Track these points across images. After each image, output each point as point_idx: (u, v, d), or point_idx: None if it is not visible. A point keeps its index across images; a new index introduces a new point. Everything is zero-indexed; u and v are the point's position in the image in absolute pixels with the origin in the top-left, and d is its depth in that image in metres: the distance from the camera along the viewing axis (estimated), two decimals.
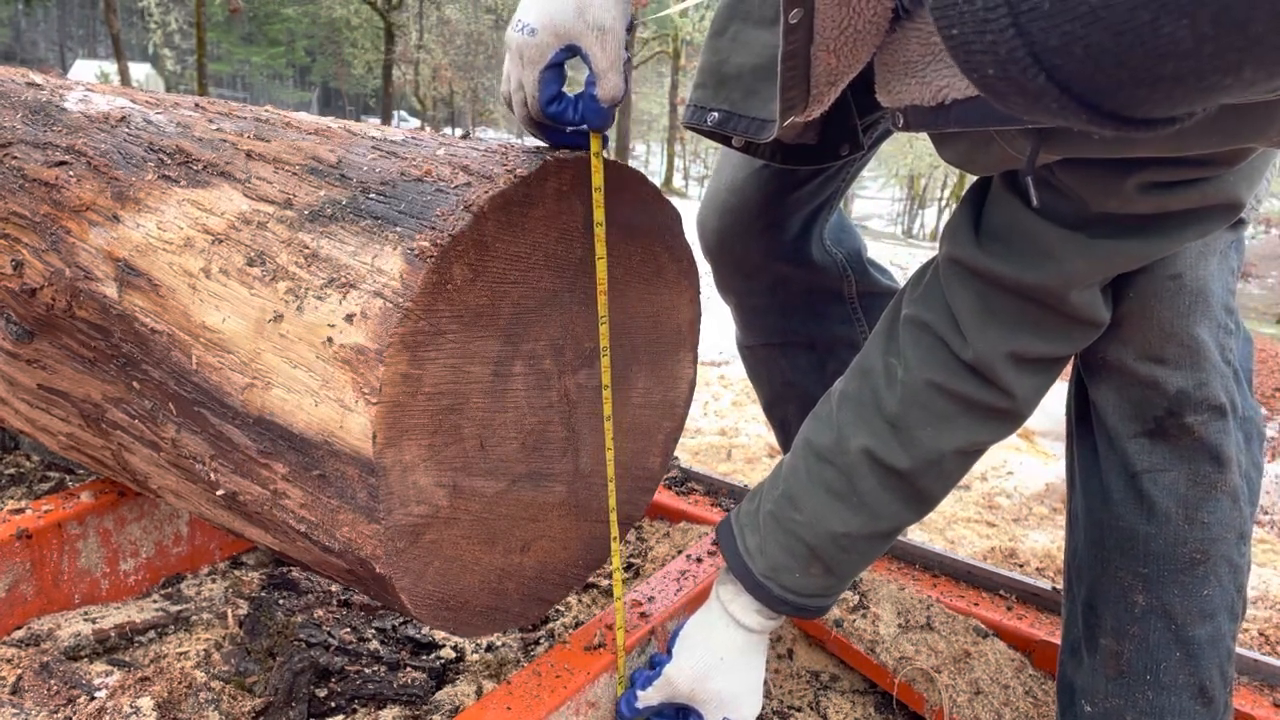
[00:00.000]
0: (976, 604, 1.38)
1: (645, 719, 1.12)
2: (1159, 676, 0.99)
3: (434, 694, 1.24)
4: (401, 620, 1.43)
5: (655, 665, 1.12)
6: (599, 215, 0.94)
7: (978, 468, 2.99)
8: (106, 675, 1.19)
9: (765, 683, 1.37)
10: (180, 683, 1.17)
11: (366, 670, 1.29)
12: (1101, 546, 1.03)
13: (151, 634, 1.31)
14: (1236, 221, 0.97)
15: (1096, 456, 1.05)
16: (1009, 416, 0.97)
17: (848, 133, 1.21)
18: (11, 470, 1.79)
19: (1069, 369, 1.11)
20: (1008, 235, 0.91)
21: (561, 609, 1.49)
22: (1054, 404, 3.79)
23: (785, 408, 1.72)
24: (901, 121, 0.88)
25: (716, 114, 1.07)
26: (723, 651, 1.06)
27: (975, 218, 0.96)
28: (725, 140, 1.13)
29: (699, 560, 1.35)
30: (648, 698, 1.10)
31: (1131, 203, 0.82)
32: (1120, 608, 1.01)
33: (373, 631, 1.40)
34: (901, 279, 1.36)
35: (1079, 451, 1.08)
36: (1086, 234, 0.85)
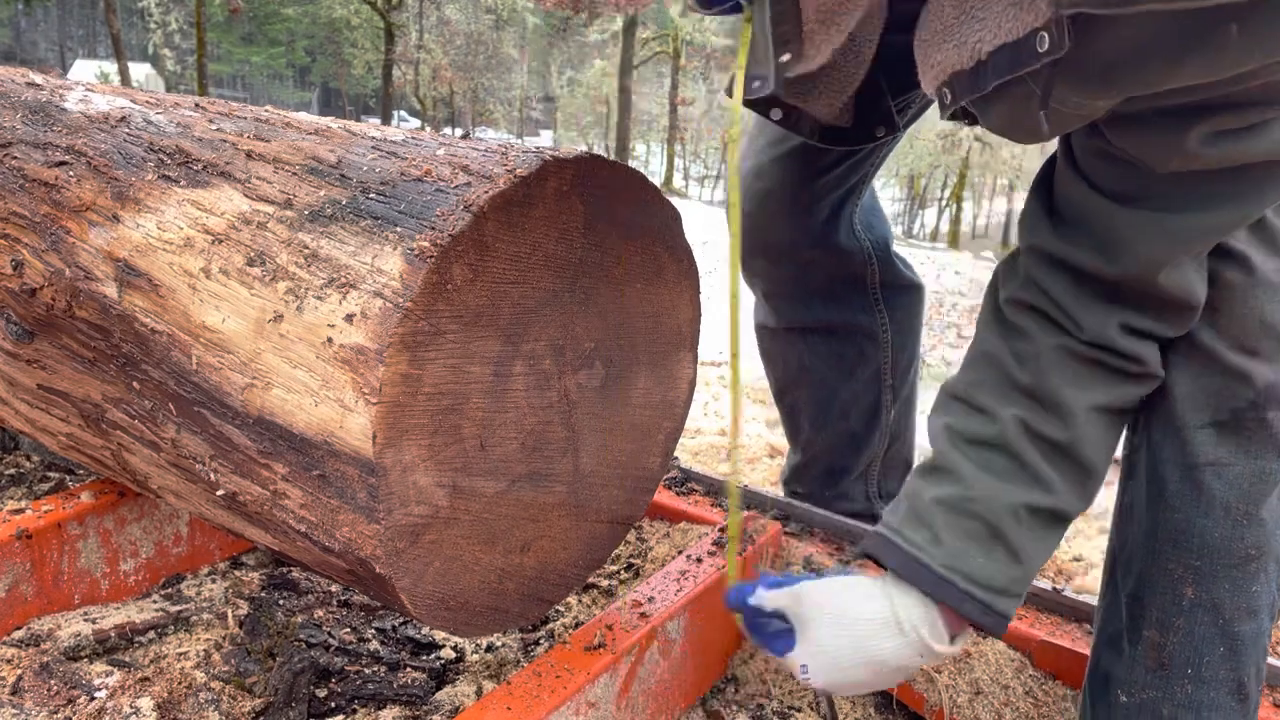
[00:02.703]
0: None
1: (747, 615, 1.05)
2: (1200, 670, 0.99)
3: (434, 694, 1.24)
4: (401, 620, 1.43)
5: (787, 581, 1.05)
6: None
7: None
8: (106, 675, 1.19)
9: (766, 682, 1.37)
10: (180, 683, 1.17)
11: (366, 670, 1.29)
12: (1154, 538, 1.02)
13: (151, 634, 1.31)
14: None
15: (1159, 446, 1.04)
16: (1145, 379, 0.96)
17: (882, 114, 1.21)
18: (11, 470, 1.79)
19: None
20: (1080, 221, 0.91)
21: (561, 609, 1.49)
22: None
23: (797, 393, 1.72)
24: (949, 97, 0.88)
25: (757, 81, 1.08)
26: (862, 627, 0.98)
27: (1048, 203, 0.96)
28: (765, 112, 1.12)
29: (699, 560, 1.35)
30: (772, 599, 1.02)
31: (1197, 158, 0.79)
32: (1168, 599, 1.01)
33: (373, 632, 1.40)
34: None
35: (1140, 440, 1.07)
36: (1156, 208, 0.84)
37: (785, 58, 0.96)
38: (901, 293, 1.66)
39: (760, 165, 1.49)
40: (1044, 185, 0.97)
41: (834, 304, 1.63)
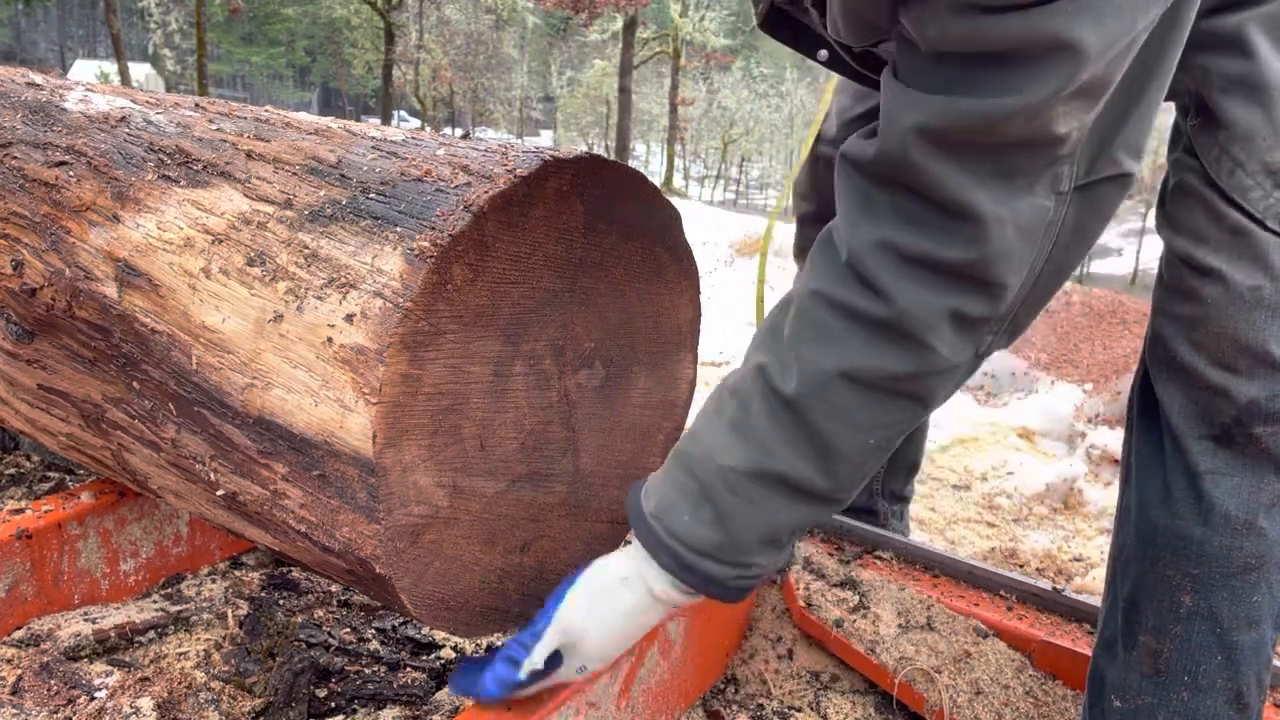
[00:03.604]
0: (977, 604, 1.38)
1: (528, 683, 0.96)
2: (1197, 678, 0.98)
3: (434, 694, 1.24)
4: (401, 620, 1.43)
5: (529, 630, 0.97)
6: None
7: (978, 467, 2.99)
8: (106, 675, 1.19)
9: (766, 682, 1.37)
10: (180, 683, 1.17)
11: (366, 670, 1.29)
12: (1152, 544, 1.01)
13: (151, 634, 1.31)
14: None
15: (1159, 453, 1.02)
16: (893, 332, 0.82)
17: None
18: (11, 470, 1.79)
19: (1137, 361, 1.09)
20: (880, 115, 0.85)
21: None
22: (1056, 404, 3.77)
23: None
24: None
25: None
26: (609, 593, 0.95)
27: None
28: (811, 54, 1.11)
29: None
30: (538, 654, 0.94)
31: (947, 31, 0.75)
32: (1165, 606, 1.00)
33: (373, 631, 1.40)
34: None
35: (1139, 447, 1.05)
36: (921, 87, 0.79)
37: None
38: None
39: (827, 133, 1.50)
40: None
41: None
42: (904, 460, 1.82)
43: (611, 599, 0.94)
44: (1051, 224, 0.83)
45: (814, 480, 0.87)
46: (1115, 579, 1.08)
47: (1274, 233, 0.93)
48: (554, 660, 0.95)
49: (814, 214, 1.62)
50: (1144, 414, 1.06)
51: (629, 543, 0.96)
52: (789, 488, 0.88)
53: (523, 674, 0.94)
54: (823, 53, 1.13)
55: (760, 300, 1.87)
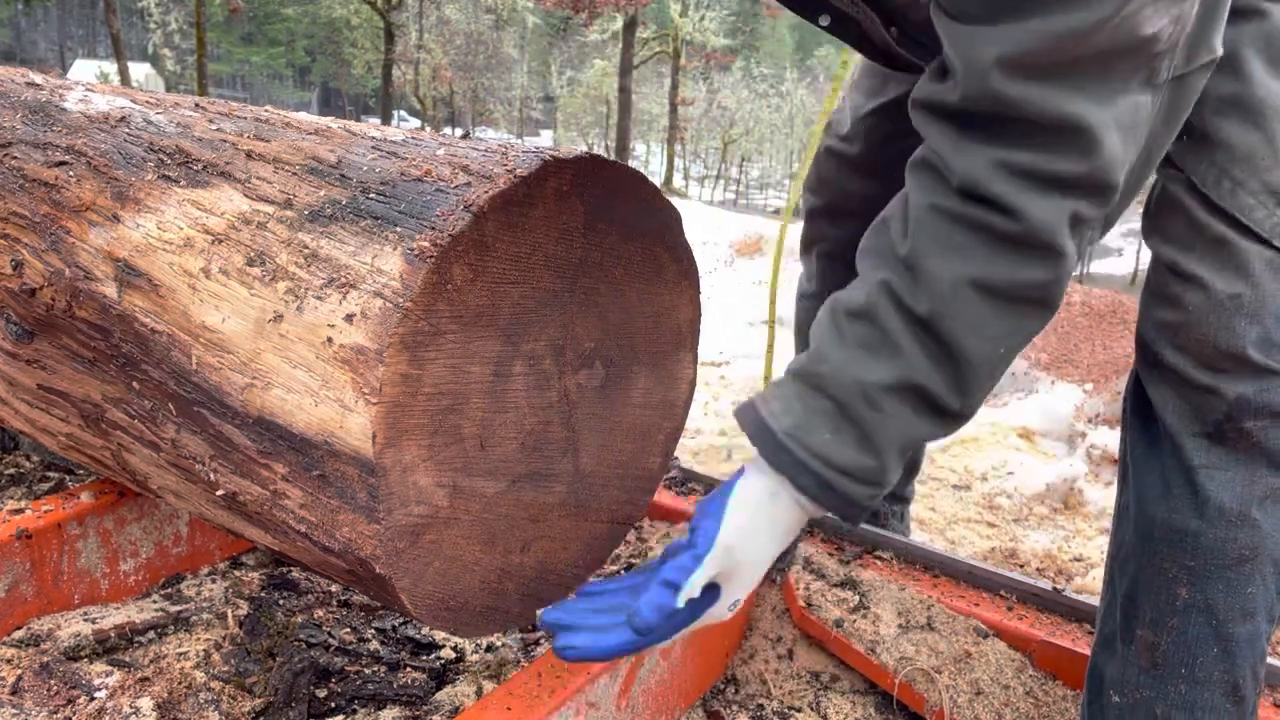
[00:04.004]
0: (977, 604, 1.38)
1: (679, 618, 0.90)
2: (1194, 671, 0.99)
3: (434, 694, 1.24)
4: (401, 620, 1.43)
5: (686, 554, 0.90)
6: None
7: (978, 467, 2.99)
8: (106, 675, 1.19)
9: (766, 682, 1.37)
10: (180, 683, 1.17)
11: (366, 670, 1.29)
12: (1150, 539, 1.02)
13: (151, 634, 1.31)
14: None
15: (1155, 450, 1.03)
16: (1027, 244, 0.83)
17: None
18: (11, 470, 1.79)
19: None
20: (942, 56, 0.85)
21: None
22: (1056, 404, 3.77)
23: None
24: None
25: None
26: (761, 512, 0.91)
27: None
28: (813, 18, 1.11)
29: None
30: (698, 580, 0.89)
31: None
32: (1161, 599, 1.01)
33: (373, 632, 1.40)
34: None
35: (1135, 443, 1.06)
36: (977, 18, 0.79)
37: None
38: None
39: (847, 125, 1.49)
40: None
41: None
42: (907, 461, 1.83)
43: (768, 519, 0.91)
44: (1148, 117, 0.83)
45: (947, 393, 0.88)
46: (1114, 576, 1.09)
47: (1266, 244, 0.94)
48: (710, 592, 0.92)
49: (823, 208, 1.62)
50: (1137, 413, 1.07)
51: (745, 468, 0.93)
52: (926, 402, 0.88)
53: (680, 602, 0.89)
54: (824, 18, 1.13)
55: (773, 299, 1.87)
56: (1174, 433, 1.00)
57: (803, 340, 1.77)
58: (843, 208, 1.56)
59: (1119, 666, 1.04)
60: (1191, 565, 0.99)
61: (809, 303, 1.71)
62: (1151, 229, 1.02)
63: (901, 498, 1.86)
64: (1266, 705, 1.20)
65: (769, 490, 0.91)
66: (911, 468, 1.87)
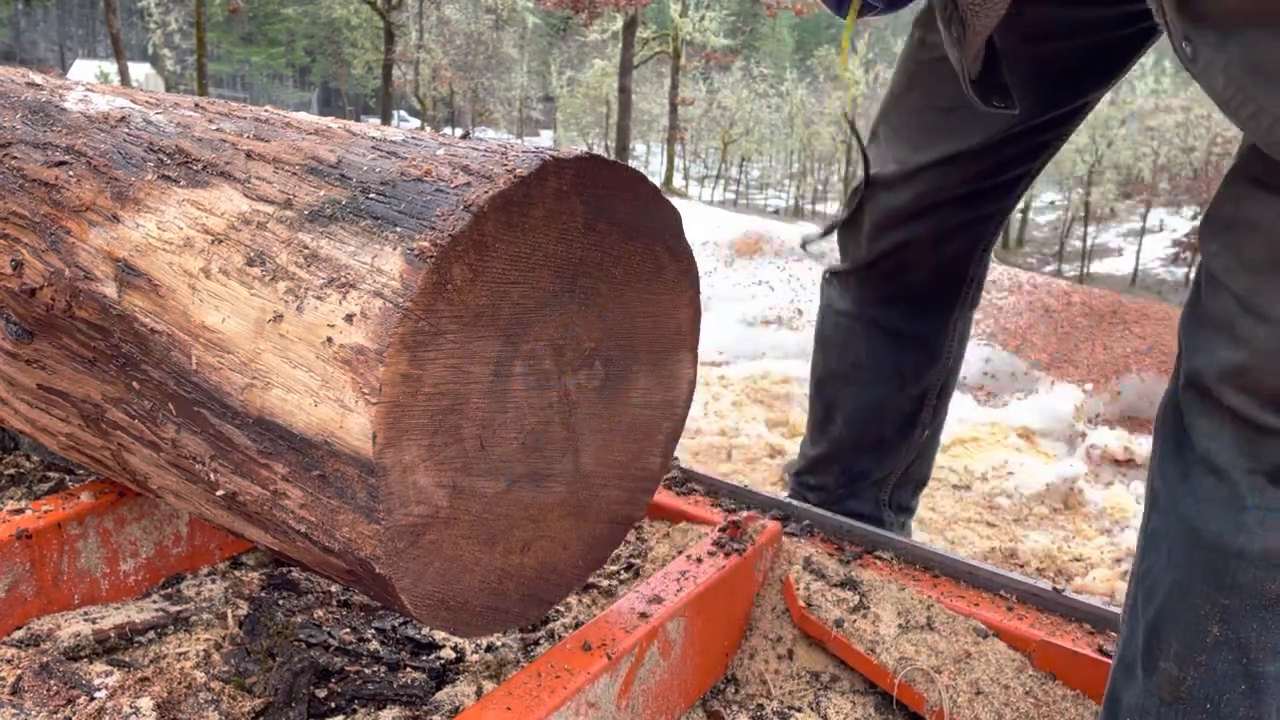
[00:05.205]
0: (977, 604, 1.38)
1: None
2: (1219, 707, 0.96)
3: (434, 694, 1.24)
4: (401, 620, 1.43)
5: None
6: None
7: (978, 467, 2.99)
8: (106, 675, 1.19)
9: (766, 682, 1.37)
10: (180, 683, 1.16)
11: (366, 670, 1.29)
12: (1183, 570, 0.98)
13: (151, 634, 1.31)
14: None
15: (1195, 480, 0.98)
16: None
17: (999, 84, 1.18)
18: (11, 470, 1.79)
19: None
20: None
21: (561, 609, 1.49)
22: (1056, 403, 3.76)
23: (841, 389, 1.70)
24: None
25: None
26: None
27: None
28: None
29: (699, 560, 1.35)
30: None
31: None
32: (1191, 635, 0.97)
33: (373, 632, 1.40)
34: None
35: (1170, 471, 1.02)
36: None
37: None
38: (970, 314, 1.65)
39: (889, 175, 1.48)
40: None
41: (919, 315, 1.60)
42: (916, 475, 1.83)
43: None
44: None
45: None
46: (1137, 601, 1.05)
47: None
48: None
49: (865, 264, 1.58)
50: (1174, 439, 1.03)
51: None
52: None
53: None
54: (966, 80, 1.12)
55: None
56: (1224, 468, 0.96)
57: (824, 350, 1.76)
58: (888, 272, 1.54)
59: (1138, 695, 1.01)
60: (1227, 604, 0.95)
61: (835, 317, 1.70)
62: (1221, 249, 0.95)
63: (907, 509, 1.86)
64: None
65: None
66: (920, 482, 1.87)
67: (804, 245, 1.72)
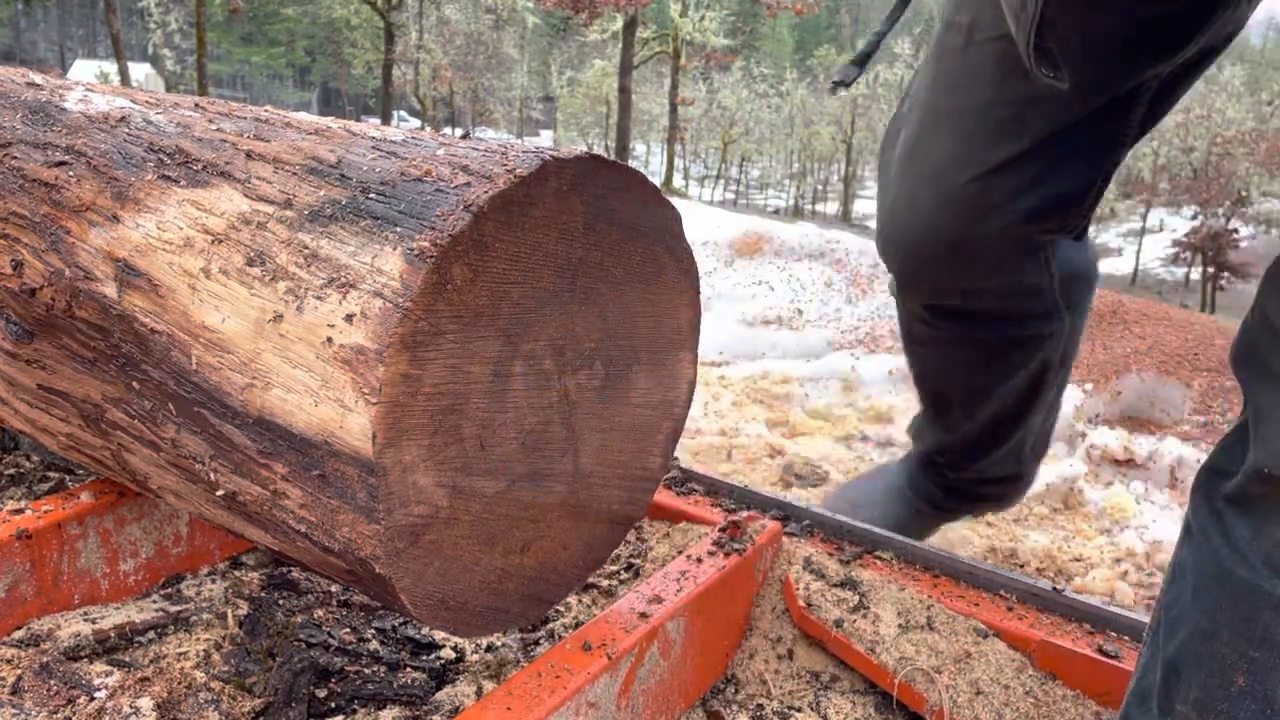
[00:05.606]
0: (977, 604, 1.38)
1: None
2: None
3: (434, 694, 1.24)
4: (401, 620, 1.43)
5: None
6: None
7: None
8: (106, 675, 1.19)
9: (766, 682, 1.37)
10: (180, 683, 1.16)
11: (366, 670, 1.29)
12: (1211, 618, 0.95)
13: (151, 634, 1.31)
14: None
15: (1235, 533, 0.95)
16: None
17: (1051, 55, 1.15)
18: (11, 470, 1.79)
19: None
20: None
21: (561, 609, 1.49)
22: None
23: (946, 385, 1.69)
24: None
25: None
26: None
27: None
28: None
29: (699, 560, 1.35)
30: None
31: None
32: (1214, 684, 0.94)
33: (373, 632, 1.40)
34: None
35: (1211, 520, 0.99)
36: None
37: None
38: (1081, 285, 1.61)
39: (955, 185, 1.45)
40: None
41: (1009, 322, 1.58)
42: (1046, 431, 1.81)
43: None
44: None
45: None
46: (1159, 629, 1.02)
47: None
48: None
49: (936, 313, 1.56)
50: (1212, 490, 1.00)
51: None
52: None
53: None
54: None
55: None
56: (1267, 531, 0.91)
57: (920, 362, 1.73)
58: (944, 288, 1.53)
59: None
60: (1255, 655, 0.92)
61: (924, 335, 1.69)
62: None
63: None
64: None
65: None
66: (1050, 432, 1.83)
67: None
